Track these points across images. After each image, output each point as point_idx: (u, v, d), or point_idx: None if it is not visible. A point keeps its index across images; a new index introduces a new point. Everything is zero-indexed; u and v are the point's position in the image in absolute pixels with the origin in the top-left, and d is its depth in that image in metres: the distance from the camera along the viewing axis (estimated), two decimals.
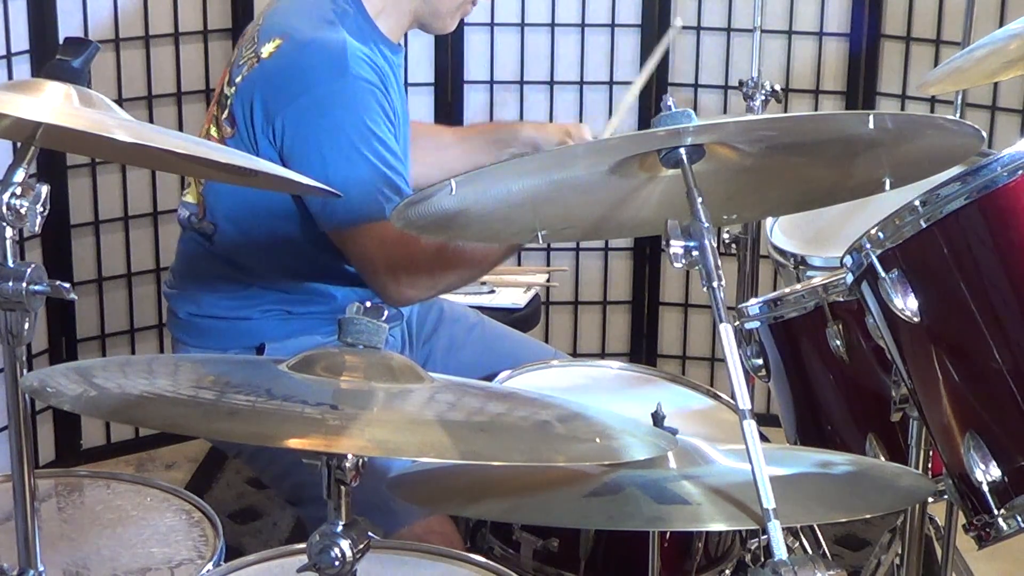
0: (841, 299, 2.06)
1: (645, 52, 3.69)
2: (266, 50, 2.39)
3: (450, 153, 2.75)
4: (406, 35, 2.68)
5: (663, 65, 3.70)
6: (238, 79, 2.41)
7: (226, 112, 2.42)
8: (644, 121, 3.67)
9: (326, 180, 2.29)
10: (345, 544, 1.48)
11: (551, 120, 3.73)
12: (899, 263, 1.73)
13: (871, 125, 1.61)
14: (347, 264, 2.48)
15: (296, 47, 2.38)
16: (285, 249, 2.46)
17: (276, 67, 2.37)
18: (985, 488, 1.73)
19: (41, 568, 1.68)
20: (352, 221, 2.34)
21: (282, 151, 2.35)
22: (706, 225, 1.49)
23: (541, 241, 1.83)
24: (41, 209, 1.57)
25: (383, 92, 2.39)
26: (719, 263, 1.48)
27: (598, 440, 1.54)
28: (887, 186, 1.75)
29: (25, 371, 1.59)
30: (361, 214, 2.33)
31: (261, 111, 2.36)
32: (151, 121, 3.38)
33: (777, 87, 2.93)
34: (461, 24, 3.15)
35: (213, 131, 2.45)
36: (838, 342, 2.07)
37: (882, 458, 2.08)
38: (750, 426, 1.42)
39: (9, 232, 1.56)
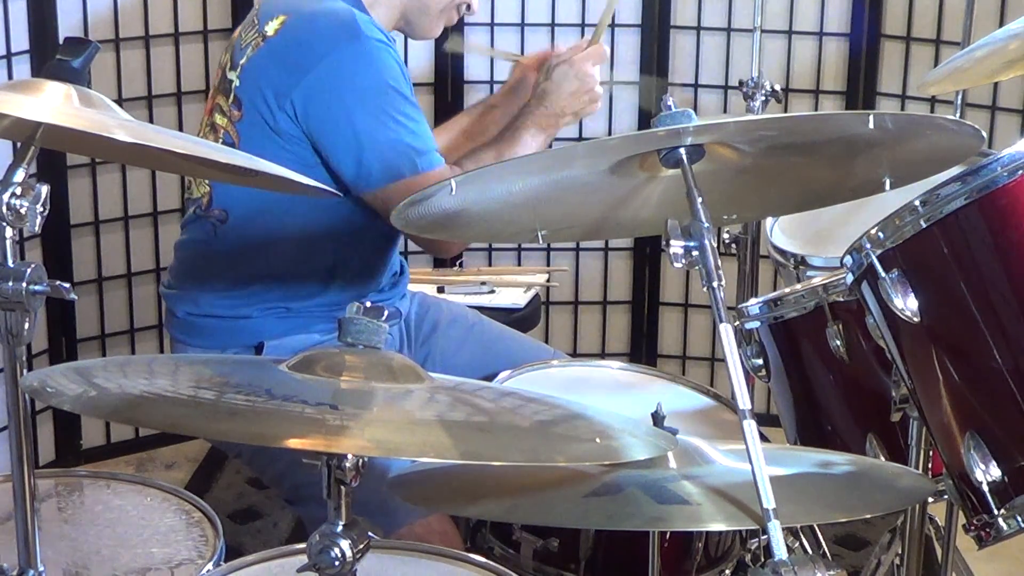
0: (841, 299, 2.06)
1: (645, 52, 3.70)
2: (271, 28, 2.39)
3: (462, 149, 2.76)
4: (406, 36, 2.67)
5: (663, 65, 3.71)
6: (242, 61, 2.41)
7: (231, 97, 2.42)
8: (644, 121, 3.67)
9: (359, 144, 2.32)
10: (345, 544, 1.48)
11: None
12: (899, 263, 1.73)
13: (871, 125, 1.61)
14: (349, 257, 2.48)
15: (304, 19, 2.38)
16: (291, 239, 2.45)
17: (286, 41, 2.37)
18: (985, 488, 1.73)
19: (41, 568, 1.68)
20: (391, 178, 2.34)
21: (307, 124, 2.35)
22: (706, 225, 1.49)
23: (541, 241, 1.83)
24: (41, 209, 1.57)
25: (394, 50, 2.40)
26: (719, 263, 1.48)
27: (598, 440, 1.54)
28: (887, 186, 1.75)
29: (25, 371, 1.59)
30: (395, 171, 2.34)
31: (273, 88, 2.36)
32: (151, 121, 3.39)
33: (777, 87, 2.93)
34: (461, 24, 3.16)
35: (219, 119, 2.44)
36: (838, 342, 2.07)
37: (882, 458, 2.08)
38: (750, 426, 1.42)
39: (9, 232, 1.56)
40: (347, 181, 2.38)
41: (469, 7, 2.57)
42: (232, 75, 2.42)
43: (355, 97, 2.34)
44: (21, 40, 3.23)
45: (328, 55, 2.34)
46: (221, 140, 2.41)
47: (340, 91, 2.34)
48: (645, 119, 3.67)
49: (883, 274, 1.73)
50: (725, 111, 3.70)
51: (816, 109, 3.66)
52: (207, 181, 2.48)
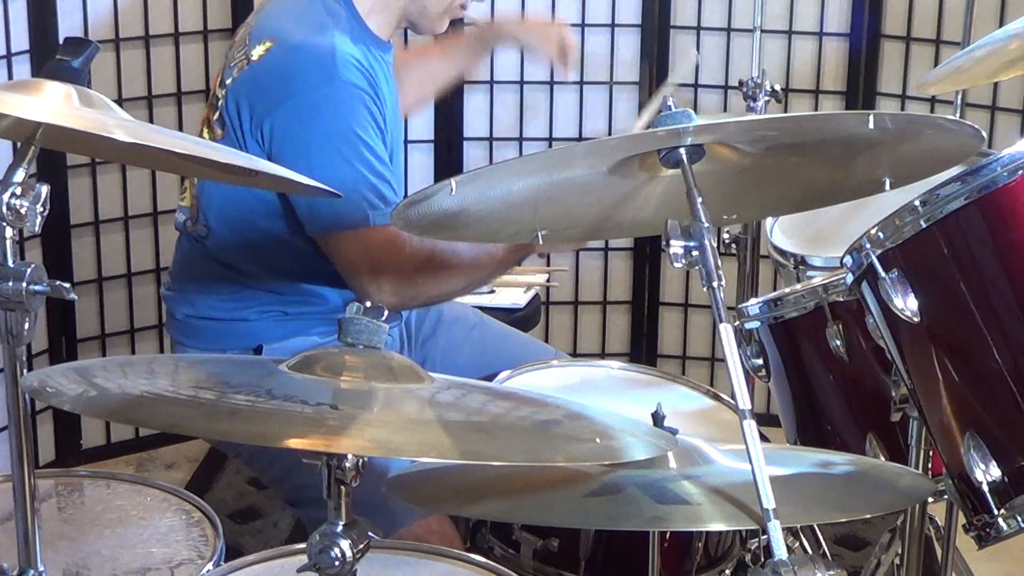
0: (841, 299, 2.06)
1: (645, 52, 3.70)
2: (256, 52, 2.39)
3: (434, 66, 2.78)
4: (406, 34, 2.67)
5: (663, 65, 3.71)
6: (228, 81, 2.42)
7: (217, 114, 2.42)
8: None
9: None
10: (345, 544, 1.48)
11: (551, 117, 3.73)
12: (899, 263, 1.73)
13: (871, 125, 1.61)
14: None
15: (285, 50, 2.38)
16: (277, 250, 2.46)
17: (265, 70, 2.37)
18: (985, 488, 1.73)
19: (41, 568, 1.68)
20: (336, 226, 2.35)
21: (270, 154, 2.35)
22: (706, 225, 1.49)
23: (541, 241, 1.82)
24: (41, 209, 1.57)
25: (372, 97, 2.39)
26: (719, 263, 1.48)
27: (598, 440, 1.54)
28: (887, 186, 1.75)
29: (25, 371, 1.59)
30: (345, 220, 2.33)
31: (248, 113, 2.37)
32: (151, 121, 3.38)
33: (777, 87, 2.93)
34: (461, 24, 3.15)
35: (206, 134, 2.46)
36: (838, 342, 2.07)
37: (882, 458, 2.08)
38: (750, 426, 1.42)
39: (9, 232, 1.56)
40: (300, 217, 2.39)
41: None
42: (220, 93, 2.43)
43: (316, 139, 2.34)
44: (21, 40, 3.23)
45: (299, 93, 2.34)
46: None
47: (304, 130, 2.34)
48: None
49: (883, 274, 1.73)
50: (725, 111, 3.70)
51: (816, 109, 3.66)
52: (195, 193, 2.48)
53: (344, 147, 2.34)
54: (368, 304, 2.43)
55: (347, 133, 2.35)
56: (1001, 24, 3.08)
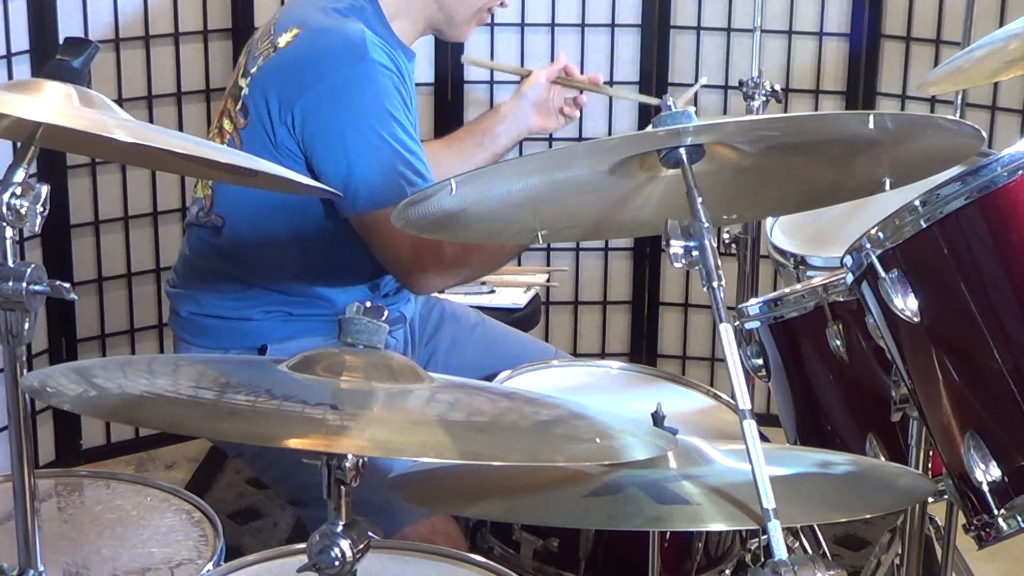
0: (841, 299, 2.06)
1: (645, 52, 3.70)
2: (283, 40, 2.40)
3: (441, 159, 2.75)
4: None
5: (663, 65, 3.71)
6: (253, 70, 2.42)
7: (240, 104, 2.42)
8: (644, 121, 3.67)
9: (348, 165, 2.31)
10: (345, 544, 1.48)
11: None
12: (899, 263, 1.73)
13: (871, 125, 1.61)
14: (352, 264, 2.48)
15: (314, 34, 2.39)
16: (289, 246, 2.46)
17: (293, 55, 2.38)
18: (985, 488, 1.73)
19: (41, 568, 1.68)
20: (376, 205, 2.34)
21: (302, 138, 2.36)
22: (706, 225, 1.49)
23: (541, 241, 1.83)
24: (41, 209, 1.57)
25: (400, 78, 2.40)
26: (719, 263, 1.48)
27: (598, 440, 1.54)
28: (887, 186, 1.75)
29: (25, 371, 1.59)
30: (385, 198, 2.32)
31: (277, 99, 2.37)
32: (151, 121, 3.39)
33: (777, 87, 2.93)
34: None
35: (226, 124, 2.46)
36: (838, 342, 2.07)
37: (882, 458, 2.08)
38: (750, 426, 1.42)
39: (9, 232, 1.56)
40: (334, 201, 2.38)
41: (503, 3, 2.58)
42: (243, 82, 2.43)
43: (351, 117, 2.34)
44: (21, 40, 3.23)
45: (331, 74, 2.34)
46: (225, 145, 2.42)
47: (337, 110, 2.34)
48: (645, 119, 3.67)
49: (883, 274, 1.73)
50: (725, 111, 3.70)
51: (816, 109, 3.66)
52: (210, 184, 2.48)
53: (378, 125, 2.34)
54: (405, 288, 2.44)
55: (380, 111, 2.35)
56: (1001, 24, 3.08)
